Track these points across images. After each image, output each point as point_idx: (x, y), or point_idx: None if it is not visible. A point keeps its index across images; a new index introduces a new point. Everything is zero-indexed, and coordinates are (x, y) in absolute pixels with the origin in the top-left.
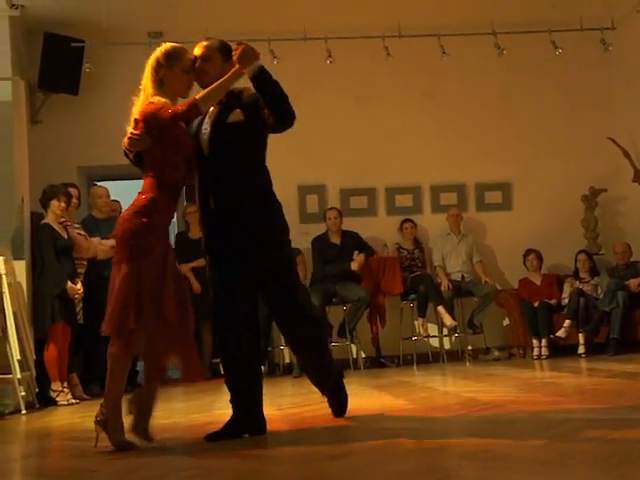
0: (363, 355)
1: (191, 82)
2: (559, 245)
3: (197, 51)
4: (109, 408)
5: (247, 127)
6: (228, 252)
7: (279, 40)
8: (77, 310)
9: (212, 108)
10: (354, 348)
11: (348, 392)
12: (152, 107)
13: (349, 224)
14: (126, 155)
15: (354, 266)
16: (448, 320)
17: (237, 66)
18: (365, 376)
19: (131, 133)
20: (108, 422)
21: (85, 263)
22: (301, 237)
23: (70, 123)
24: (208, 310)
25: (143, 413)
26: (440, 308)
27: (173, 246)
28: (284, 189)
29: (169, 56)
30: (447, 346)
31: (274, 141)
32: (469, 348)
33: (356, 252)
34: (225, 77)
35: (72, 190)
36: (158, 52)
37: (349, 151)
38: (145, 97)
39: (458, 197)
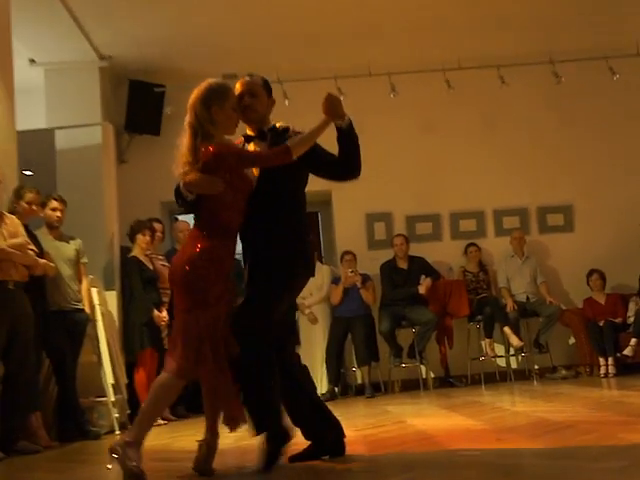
0: (432, 375)
1: (238, 120)
2: (622, 264)
3: (242, 87)
4: (135, 433)
5: (298, 169)
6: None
7: (345, 77)
8: (163, 336)
9: (253, 146)
10: (423, 369)
11: (416, 413)
12: (227, 148)
13: (415, 249)
14: (178, 198)
15: (421, 290)
16: (514, 340)
17: (326, 116)
18: (435, 396)
19: (203, 179)
20: (128, 446)
21: (169, 292)
22: (370, 263)
23: (153, 162)
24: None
25: (211, 451)
26: (506, 329)
27: None
28: (353, 217)
29: (219, 93)
30: (514, 365)
31: None
32: (536, 367)
33: (423, 276)
34: (317, 126)
35: (156, 225)
36: (204, 89)
37: (414, 179)
38: (199, 137)
39: (520, 220)
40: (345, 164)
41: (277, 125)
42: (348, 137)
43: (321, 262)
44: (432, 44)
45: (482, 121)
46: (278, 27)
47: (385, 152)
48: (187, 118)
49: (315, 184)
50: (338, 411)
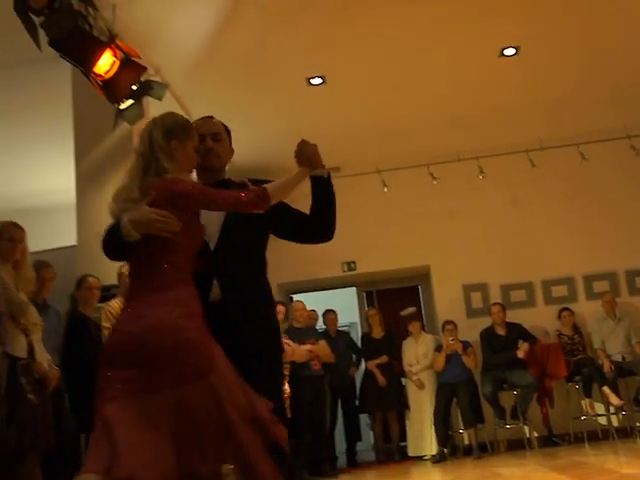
0: (536, 435)
1: (195, 163)
2: None
3: (204, 128)
4: None
5: (262, 221)
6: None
7: (436, 164)
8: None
9: None
10: (527, 429)
11: (525, 475)
12: (191, 182)
13: (511, 316)
14: (110, 240)
15: (520, 354)
16: (614, 399)
17: (303, 166)
18: (540, 455)
19: (157, 214)
20: None
21: (289, 366)
22: (469, 331)
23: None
24: (393, 401)
25: None
26: (605, 388)
27: (359, 345)
28: (451, 289)
29: (183, 128)
30: (615, 423)
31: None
32: (638, 425)
33: (520, 341)
34: (296, 174)
35: (280, 307)
36: (167, 119)
37: (506, 251)
38: (151, 171)
39: (610, 284)
40: (319, 222)
41: (232, 179)
42: (326, 190)
43: (424, 331)
44: (514, 128)
45: (564, 195)
46: (375, 121)
47: (476, 229)
48: (138, 146)
49: (413, 259)
50: (450, 474)
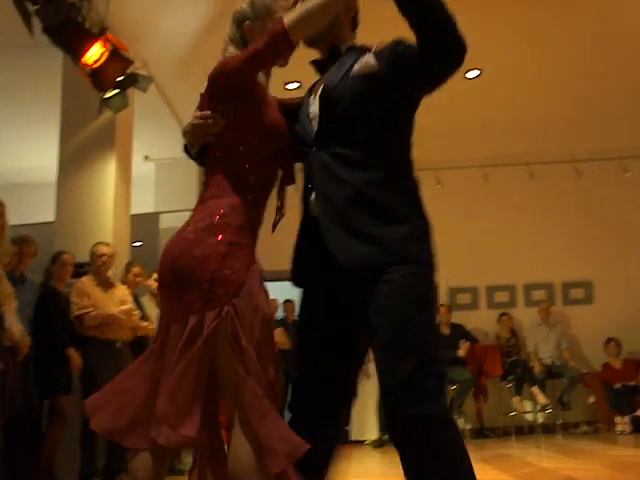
0: (469, 427)
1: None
2: (636, 333)
3: None
4: None
5: (385, 85)
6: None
7: None
8: None
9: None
10: (462, 421)
11: None
12: (219, 64)
13: (457, 317)
14: (186, 151)
15: (461, 352)
16: (541, 398)
17: None
18: (471, 446)
19: (195, 115)
20: None
21: None
22: None
23: None
24: None
25: None
26: (534, 388)
27: None
28: None
29: (257, 2)
30: (541, 420)
31: None
32: (560, 422)
33: (462, 341)
34: None
35: None
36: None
37: (457, 257)
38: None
39: (547, 293)
40: (426, 42)
41: (363, 45)
42: None
43: None
44: (471, 144)
45: (514, 209)
46: None
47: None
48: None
49: None
50: (388, 458)
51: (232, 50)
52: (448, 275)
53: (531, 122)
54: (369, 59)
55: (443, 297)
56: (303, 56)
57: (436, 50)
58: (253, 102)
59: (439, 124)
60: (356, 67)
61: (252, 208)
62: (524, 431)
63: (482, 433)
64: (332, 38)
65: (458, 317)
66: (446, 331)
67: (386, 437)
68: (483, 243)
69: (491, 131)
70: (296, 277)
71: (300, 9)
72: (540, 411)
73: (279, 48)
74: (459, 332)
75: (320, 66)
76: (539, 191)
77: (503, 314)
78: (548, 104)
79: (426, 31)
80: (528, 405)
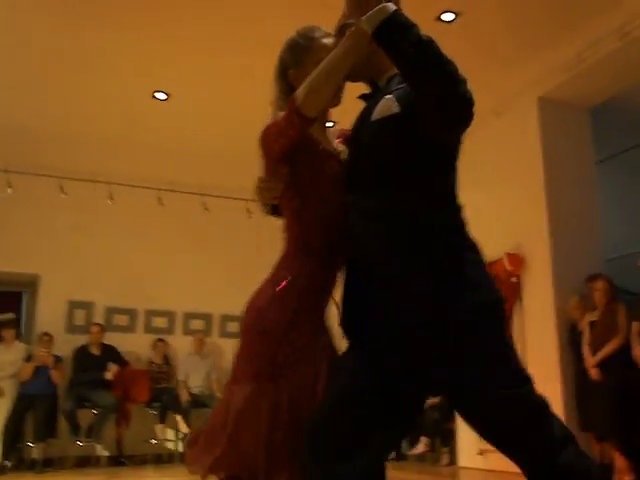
0: (107, 453)
1: None
2: None
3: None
4: None
5: (407, 125)
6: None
7: (70, 179)
8: None
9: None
10: (98, 447)
11: None
12: (263, 130)
13: (112, 338)
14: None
15: (108, 375)
16: (183, 427)
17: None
18: (103, 474)
19: (258, 181)
20: None
21: None
22: (65, 345)
23: None
24: None
25: None
26: (178, 417)
27: None
28: (56, 302)
29: (293, 48)
30: (181, 449)
31: (55, 261)
32: None
33: (110, 363)
34: (342, 44)
35: None
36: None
37: (119, 277)
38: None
39: (205, 323)
40: (420, 86)
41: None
42: (393, 36)
43: (18, 340)
44: (148, 165)
45: (184, 236)
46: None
47: (98, 249)
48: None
49: (22, 265)
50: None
51: (279, 112)
52: (107, 294)
53: (205, 154)
54: (390, 101)
55: (100, 316)
56: None
57: (435, 93)
58: (300, 164)
59: (120, 137)
60: (377, 112)
61: (321, 270)
62: (163, 459)
63: (119, 460)
64: (369, 71)
65: (114, 339)
66: (96, 352)
67: (9, 464)
68: (148, 266)
69: (171, 155)
70: None
71: (307, 80)
72: (181, 439)
73: (297, 123)
74: (110, 354)
75: (368, 99)
76: (211, 223)
77: (160, 340)
78: (217, 137)
79: (406, 76)
80: (171, 434)
